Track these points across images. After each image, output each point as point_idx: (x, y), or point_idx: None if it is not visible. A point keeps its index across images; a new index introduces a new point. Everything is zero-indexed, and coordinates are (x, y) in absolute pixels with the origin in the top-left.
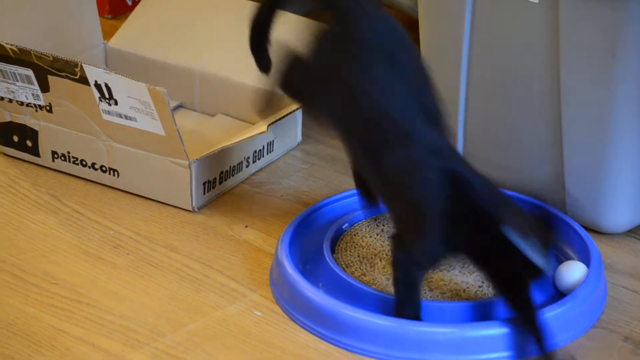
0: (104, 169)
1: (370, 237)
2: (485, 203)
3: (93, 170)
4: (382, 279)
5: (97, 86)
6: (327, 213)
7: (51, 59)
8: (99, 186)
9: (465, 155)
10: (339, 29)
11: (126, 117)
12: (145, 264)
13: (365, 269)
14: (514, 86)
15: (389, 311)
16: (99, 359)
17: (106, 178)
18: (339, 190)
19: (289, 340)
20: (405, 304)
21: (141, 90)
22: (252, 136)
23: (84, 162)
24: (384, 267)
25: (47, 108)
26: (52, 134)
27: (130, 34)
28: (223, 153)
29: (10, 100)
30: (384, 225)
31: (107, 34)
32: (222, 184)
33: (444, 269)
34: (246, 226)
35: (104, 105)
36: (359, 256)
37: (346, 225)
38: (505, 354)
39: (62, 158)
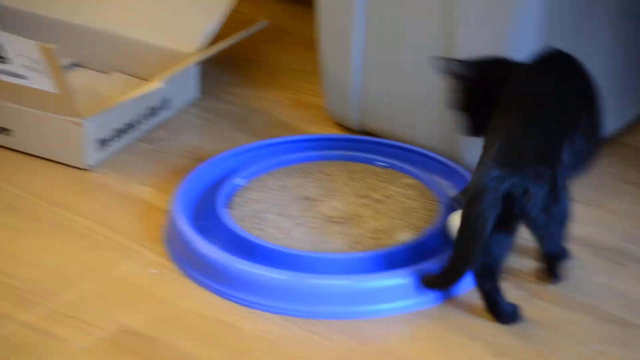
0: None
1: (265, 192)
2: None
3: None
4: (276, 233)
5: None
6: (223, 168)
7: None
8: None
9: (363, 112)
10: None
11: (18, 76)
12: (39, 223)
13: (260, 223)
14: (411, 41)
15: (283, 265)
16: None
17: None
18: (234, 146)
19: (184, 297)
20: None
21: (32, 47)
22: (147, 92)
23: None
24: (277, 222)
25: None
26: None
27: None
28: (117, 110)
29: None
30: (279, 180)
31: None
32: (116, 141)
33: (340, 222)
34: (141, 184)
35: None
36: (253, 211)
37: (241, 180)
38: (398, 303)
39: None
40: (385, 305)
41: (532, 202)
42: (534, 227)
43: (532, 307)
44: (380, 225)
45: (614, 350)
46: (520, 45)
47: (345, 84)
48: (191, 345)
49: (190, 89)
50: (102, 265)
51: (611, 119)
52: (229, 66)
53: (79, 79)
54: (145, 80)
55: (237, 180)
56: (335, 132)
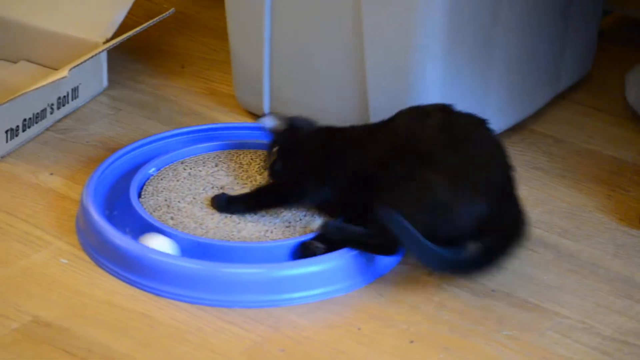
0: None
1: (177, 180)
2: None
3: None
4: (189, 222)
5: None
6: (134, 158)
7: None
8: None
9: (273, 99)
10: None
11: None
12: None
13: (173, 212)
14: (319, 28)
15: (196, 254)
16: None
17: None
18: (145, 135)
19: (95, 287)
20: None
21: None
22: (54, 81)
23: None
24: (190, 211)
25: None
26: None
27: None
28: (25, 100)
29: None
30: (190, 169)
31: None
32: (25, 131)
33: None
34: (51, 174)
35: None
36: (165, 200)
37: (153, 169)
38: (312, 292)
39: None
40: (300, 294)
41: None
42: None
43: (444, 293)
44: (293, 214)
45: (525, 335)
46: (427, 35)
47: (254, 72)
48: (104, 335)
49: (99, 78)
50: (12, 256)
51: (520, 106)
52: (139, 56)
53: None
54: (54, 69)
55: (148, 170)
56: (246, 121)
